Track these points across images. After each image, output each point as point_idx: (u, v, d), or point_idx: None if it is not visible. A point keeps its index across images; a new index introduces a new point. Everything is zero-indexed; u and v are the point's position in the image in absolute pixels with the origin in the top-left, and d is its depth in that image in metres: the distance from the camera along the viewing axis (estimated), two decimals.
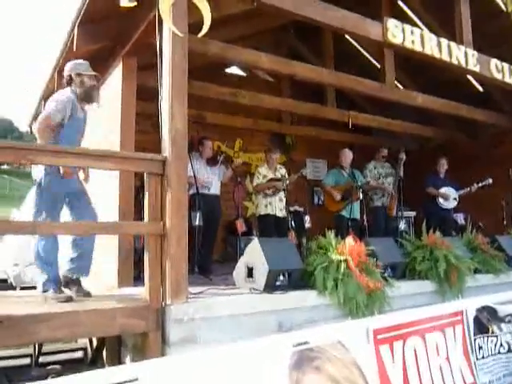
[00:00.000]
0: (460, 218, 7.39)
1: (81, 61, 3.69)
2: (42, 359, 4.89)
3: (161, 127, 3.33)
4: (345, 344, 2.69)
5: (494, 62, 5.52)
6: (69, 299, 3.31)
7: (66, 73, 3.64)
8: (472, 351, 3.49)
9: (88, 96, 3.63)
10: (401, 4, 7.07)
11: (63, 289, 3.48)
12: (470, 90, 7.83)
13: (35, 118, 6.89)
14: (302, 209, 7.29)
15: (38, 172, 3.44)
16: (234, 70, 8.62)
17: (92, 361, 4.29)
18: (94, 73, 3.66)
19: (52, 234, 3.36)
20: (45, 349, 4.95)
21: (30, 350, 4.97)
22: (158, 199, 3.21)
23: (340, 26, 4.43)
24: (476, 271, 5.00)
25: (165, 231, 3.15)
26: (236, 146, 8.52)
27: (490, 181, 6.91)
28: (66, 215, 3.62)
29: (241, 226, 5.24)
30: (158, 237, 3.17)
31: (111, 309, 3.03)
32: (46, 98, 5.94)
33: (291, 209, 6.28)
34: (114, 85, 4.55)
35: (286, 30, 8.47)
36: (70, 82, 3.60)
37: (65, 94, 3.52)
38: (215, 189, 5.53)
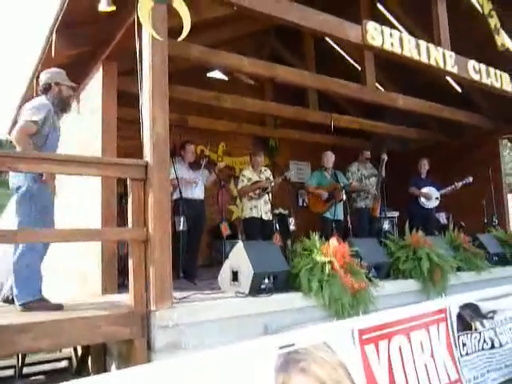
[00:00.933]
0: (442, 217, 7.49)
1: (58, 69, 3.65)
2: (25, 370, 4.79)
3: (142, 132, 3.31)
4: (330, 345, 2.70)
5: (471, 63, 5.59)
6: (59, 307, 3.26)
7: (43, 81, 3.58)
8: (456, 348, 3.53)
9: (64, 106, 3.62)
10: (380, 7, 7.16)
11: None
12: (451, 92, 7.96)
13: (14, 125, 6.79)
14: (286, 211, 7.30)
15: (20, 180, 3.34)
16: (216, 74, 8.62)
17: (77, 370, 4.22)
18: (73, 84, 3.64)
19: (33, 241, 3.29)
20: (28, 359, 4.86)
21: (13, 361, 4.87)
22: (140, 204, 3.18)
23: (320, 28, 4.45)
24: (459, 269, 5.08)
25: (148, 237, 3.11)
26: (219, 149, 8.51)
27: (471, 179, 7.03)
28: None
29: (225, 228, 5.22)
30: (142, 242, 3.14)
31: (95, 316, 2.99)
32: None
33: (276, 211, 6.29)
34: (94, 90, 4.50)
35: (267, 33, 8.50)
36: (47, 90, 3.55)
37: (42, 101, 3.45)
38: (199, 193, 5.51)
